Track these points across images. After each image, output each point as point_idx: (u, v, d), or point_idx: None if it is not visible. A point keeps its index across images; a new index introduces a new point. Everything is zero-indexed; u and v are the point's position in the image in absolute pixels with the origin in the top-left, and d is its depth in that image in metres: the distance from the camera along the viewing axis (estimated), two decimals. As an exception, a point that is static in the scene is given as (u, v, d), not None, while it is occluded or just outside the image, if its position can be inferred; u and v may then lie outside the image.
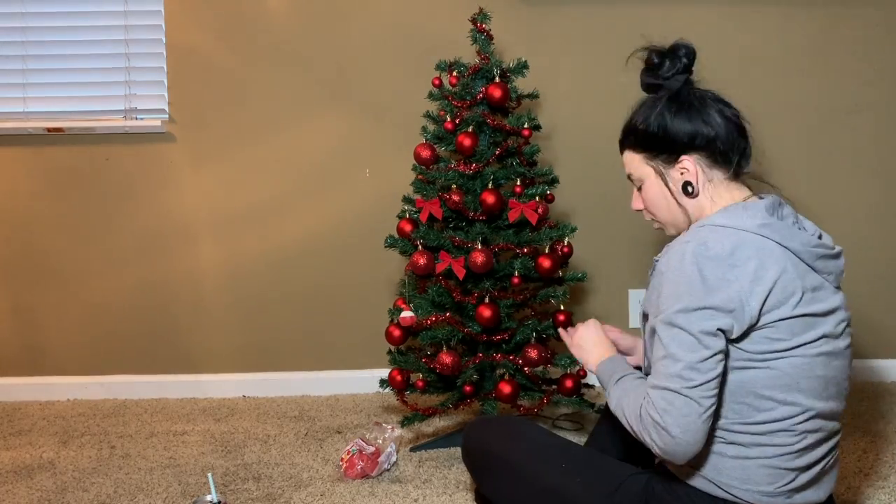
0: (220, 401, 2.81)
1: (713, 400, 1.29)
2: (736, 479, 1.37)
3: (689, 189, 1.45)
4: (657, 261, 1.44)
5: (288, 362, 2.88)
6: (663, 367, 1.30)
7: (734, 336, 1.31)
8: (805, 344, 1.35)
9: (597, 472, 1.48)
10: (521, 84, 2.27)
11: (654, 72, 1.48)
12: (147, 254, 2.83)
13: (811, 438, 1.37)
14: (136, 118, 2.78)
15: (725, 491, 1.37)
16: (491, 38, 2.26)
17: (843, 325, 1.41)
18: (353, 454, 2.16)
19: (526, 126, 2.20)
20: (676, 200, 1.47)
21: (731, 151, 1.44)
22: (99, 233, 2.83)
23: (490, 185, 2.19)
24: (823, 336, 1.36)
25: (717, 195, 1.45)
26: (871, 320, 2.83)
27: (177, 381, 2.86)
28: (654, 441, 1.30)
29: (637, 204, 1.55)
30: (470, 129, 2.19)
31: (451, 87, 2.25)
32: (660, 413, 1.28)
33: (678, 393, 1.27)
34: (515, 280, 2.18)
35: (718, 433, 1.37)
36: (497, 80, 2.21)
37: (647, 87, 1.51)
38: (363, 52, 2.74)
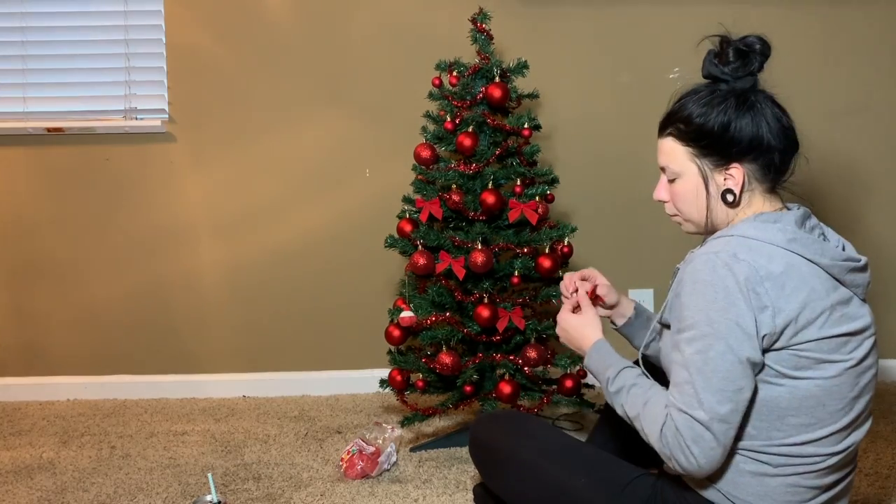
0: (220, 401, 2.81)
1: (735, 432, 1.28)
2: (752, 494, 1.33)
3: (730, 198, 1.37)
4: (678, 269, 1.39)
5: (288, 362, 2.88)
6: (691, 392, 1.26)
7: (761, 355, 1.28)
8: (831, 362, 1.30)
9: (604, 472, 1.46)
10: (521, 84, 2.27)
11: (723, 67, 1.39)
12: (147, 254, 2.83)
13: (836, 459, 1.34)
14: (136, 118, 2.78)
15: None
16: (491, 38, 2.26)
17: (871, 341, 1.36)
18: (353, 454, 2.16)
19: (526, 126, 2.20)
20: (709, 203, 1.39)
21: (784, 164, 1.38)
22: (99, 233, 2.82)
23: (490, 185, 2.19)
24: (850, 355, 1.32)
25: (750, 205, 1.39)
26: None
27: (177, 381, 2.86)
28: (678, 463, 1.27)
29: (662, 195, 1.46)
30: (470, 129, 2.19)
31: (451, 87, 2.25)
32: (688, 443, 1.25)
33: (707, 428, 1.25)
34: (515, 280, 2.18)
35: (742, 452, 1.33)
36: (497, 80, 2.21)
37: (708, 76, 1.41)
38: (363, 52, 2.74)
